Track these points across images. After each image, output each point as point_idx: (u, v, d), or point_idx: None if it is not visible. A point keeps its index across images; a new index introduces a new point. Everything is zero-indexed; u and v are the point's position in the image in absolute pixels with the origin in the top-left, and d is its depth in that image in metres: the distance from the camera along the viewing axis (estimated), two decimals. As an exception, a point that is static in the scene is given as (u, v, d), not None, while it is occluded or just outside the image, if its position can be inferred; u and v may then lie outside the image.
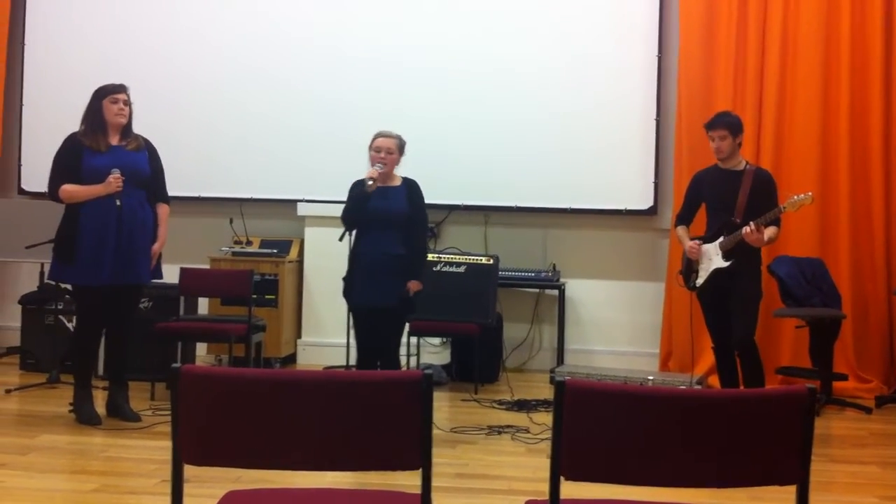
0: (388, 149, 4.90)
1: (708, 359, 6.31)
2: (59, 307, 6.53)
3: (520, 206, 7.14)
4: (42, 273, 6.73)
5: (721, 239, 5.23)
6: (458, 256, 6.73)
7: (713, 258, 5.26)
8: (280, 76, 7.31)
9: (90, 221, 4.99)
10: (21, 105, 7.56)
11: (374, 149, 4.93)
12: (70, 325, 6.46)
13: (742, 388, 5.18)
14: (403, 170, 5.12)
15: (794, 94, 6.68)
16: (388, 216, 4.88)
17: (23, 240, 6.21)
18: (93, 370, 5.39)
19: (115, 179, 4.97)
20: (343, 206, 5.00)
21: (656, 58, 7.04)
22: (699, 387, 6.16)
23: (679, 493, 2.09)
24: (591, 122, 7.06)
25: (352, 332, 5.20)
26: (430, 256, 6.44)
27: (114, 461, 4.43)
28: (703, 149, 5.70)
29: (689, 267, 5.42)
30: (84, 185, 5.01)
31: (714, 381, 6.33)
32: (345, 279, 5.00)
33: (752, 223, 5.05)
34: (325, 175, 7.02)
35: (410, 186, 5.01)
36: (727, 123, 5.26)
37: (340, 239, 5.05)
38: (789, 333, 6.51)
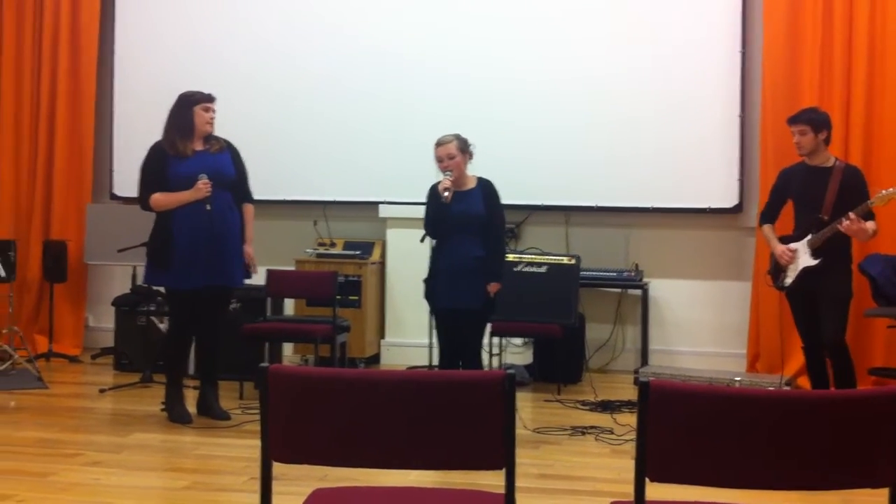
0: (449, 154, 4.93)
1: (797, 360, 6.16)
2: (151, 309, 6.72)
3: (601, 205, 7.08)
4: (134, 276, 6.95)
5: (809, 237, 5.12)
6: (539, 257, 6.71)
7: (801, 256, 5.15)
8: (360, 83, 7.37)
9: (183, 227, 5.10)
10: (112, 114, 7.79)
11: (436, 159, 4.97)
12: (161, 326, 6.64)
13: (833, 389, 5.06)
14: (483, 170, 5.13)
15: (882, 87, 6.47)
16: (467, 219, 4.91)
17: (115, 243, 6.41)
18: (184, 370, 5.54)
19: (204, 185, 5.06)
20: (423, 209, 5.07)
21: (739, 53, 6.91)
22: (788, 388, 6.03)
23: (766, 496, 2.06)
24: (674, 119, 6.96)
25: (434, 332, 5.25)
26: (511, 257, 6.44)
27: (204, 459, 4.54)
28: (789, 145, 5.58)
29: (778, 266, 5.31)
30: (172, 192, 5.12)
31: (804, 382, 6.19)
32: (426, 281, 5.05)
33: (851, 213, 4.93)
34: (406, 177, 7.05)
35: (485, 187, 5.02)
36: (808, 119, 5.15)
37: (422, 240, 5.13)
38: (882, 333, 6.32)
